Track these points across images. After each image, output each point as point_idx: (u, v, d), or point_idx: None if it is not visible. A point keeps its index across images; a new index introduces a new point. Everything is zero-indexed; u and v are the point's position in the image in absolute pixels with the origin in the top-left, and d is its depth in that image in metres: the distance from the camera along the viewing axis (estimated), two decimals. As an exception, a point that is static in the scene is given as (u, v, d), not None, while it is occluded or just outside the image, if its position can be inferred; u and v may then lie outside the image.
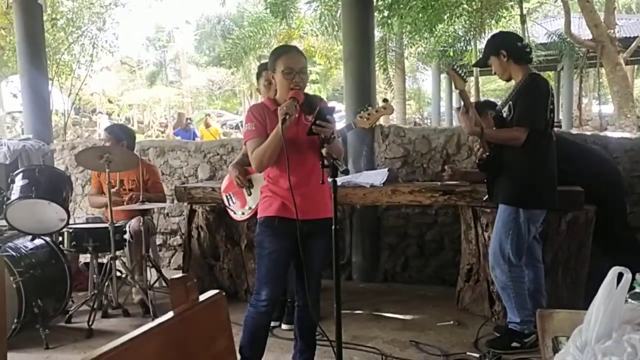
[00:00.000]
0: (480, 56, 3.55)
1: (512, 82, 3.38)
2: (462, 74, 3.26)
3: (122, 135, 4.50)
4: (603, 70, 11.63)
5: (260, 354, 2.74)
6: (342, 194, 3.79)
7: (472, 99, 3.49)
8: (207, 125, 14.23)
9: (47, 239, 3.91)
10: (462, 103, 3.27)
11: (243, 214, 3.65)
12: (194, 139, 12.22)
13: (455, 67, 3.30)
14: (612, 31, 10.57)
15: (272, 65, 2.65)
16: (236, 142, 5.52)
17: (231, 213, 3.79)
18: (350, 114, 4.89)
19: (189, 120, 15.80)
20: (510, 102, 3.22)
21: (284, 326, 3.73)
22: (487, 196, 3.49)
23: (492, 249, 3.32)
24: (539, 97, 3.13)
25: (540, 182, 3.18)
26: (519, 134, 3.10)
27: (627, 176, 4.38)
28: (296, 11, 14.39)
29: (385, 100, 3.16)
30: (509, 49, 3.23)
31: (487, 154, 3.27)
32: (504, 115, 3.26)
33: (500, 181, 3.27)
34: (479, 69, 13.97)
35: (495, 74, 3.39)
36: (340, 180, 3.27)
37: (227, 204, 3.78)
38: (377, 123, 4.36)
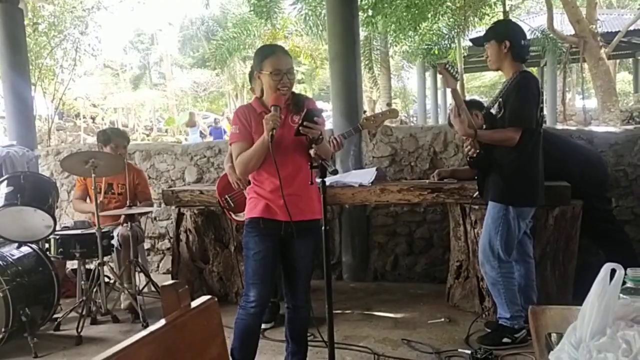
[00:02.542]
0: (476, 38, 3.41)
1: (497, 79, 3.38)
2: (454, 73, 3.20)
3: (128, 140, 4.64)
4: (586, 66, 11.76)
5: (252, 356, 2.72)
6: (330, 194, 3.78)
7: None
8: None
9: (34, 246, 3.86)
10: (454, 103, 3.23)
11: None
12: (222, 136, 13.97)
13: (447, 65, 3.23)
14: (594, 26, 10.70)
15: (259, 66, 2.62)
16: (223, 144, 5.49)
17: (232, 215, 3.77)
18: (337, 114, 4.89)
19: (217, 119, 17.05)
20: (500, 100, 3.20)
21: None
22: (477, 193, 3.49)
23: (481, 245, 3.32)
24: (530, 96, 3.10)
25: (530, 179, 3.18)
26: (512, 134, 3.07)
27: (612, 170, 4.42)
28: (280, 12, 14.37)
29: (389, 104, 3.17)
30: (513, 42, 3.16)
31: (478, 151, 3.26)
32: (494, 112, 3.24)
33: (490, 178, 3.28)
34: (463, 66, 14.07)
35: (486, 59, 3.29)
36: (328, 180, 3.26)
37: (225, 206, 3.76)
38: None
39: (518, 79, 3.15)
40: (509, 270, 3.27)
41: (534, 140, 3.16)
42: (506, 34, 3.21)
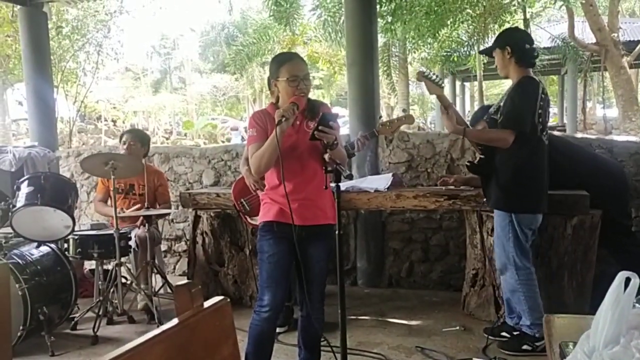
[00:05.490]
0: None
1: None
2: (436, 80, 3.23)
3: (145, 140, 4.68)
4: (607, 74, 11.62)
5: (267, 361, 2.73)
6: (346, 199, 3.78)
7: (476, 104, 3.46)
8: None
9: (53, 246, 3.91)
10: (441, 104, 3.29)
11: None
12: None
13: (426, 73, 3.26)
14: (615, 35, 10.59)
15: (275, 73, 2.65)
16: (240, 147, 5.52)
17: (247, 219, 3.79)
18: (354, 119, 4.89)
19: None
20: (500, 104, 3.23)
21: None
22: (485, 199, 3.49)
23: (497, 254, 3.32)
24: (525, 100, 3.12)
25: (526, 187, 3.16)
26: (504, 136, 3.10)
27: (632, 180, 4.35)
28: (300, 18, 14.43)
29: (404, 110, 3.18)
30: (515, 47, 3.20)
31: (481, 156, 3.27)
32: (496, 118, 3.25)
33: (491, 184, 3.30)
34: (482, 73, 13.99)
35: (496, 68, 3.38)
36: (344, 185, 3.26)
37: (241, 209, 3.77)
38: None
39: (516, 83, 3.18)
40: (528, 277, 3.23)
41: (530, 147, 3.15)
42: (507, 40, 3.28)
